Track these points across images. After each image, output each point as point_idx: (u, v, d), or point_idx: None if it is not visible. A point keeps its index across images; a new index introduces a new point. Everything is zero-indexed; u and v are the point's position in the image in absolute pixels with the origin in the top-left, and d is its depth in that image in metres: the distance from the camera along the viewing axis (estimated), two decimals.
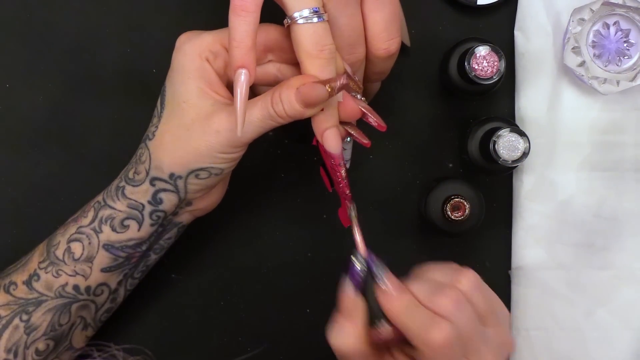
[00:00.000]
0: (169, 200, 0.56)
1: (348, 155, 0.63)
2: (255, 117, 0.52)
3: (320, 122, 0.52)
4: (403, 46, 0.63)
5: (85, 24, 0.67)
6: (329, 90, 0.49)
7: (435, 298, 0.50)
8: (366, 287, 0.51)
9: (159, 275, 0.67)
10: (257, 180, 0.67)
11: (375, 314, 0.51)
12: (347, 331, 0.50)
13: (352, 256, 0.51)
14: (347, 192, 0.55)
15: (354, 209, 0.54)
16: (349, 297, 0.51)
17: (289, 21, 0.50)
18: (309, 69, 0.50)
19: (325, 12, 0.51)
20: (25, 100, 0.67)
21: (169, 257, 0.67)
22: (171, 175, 0.55)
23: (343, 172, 0.54)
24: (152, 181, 0.55)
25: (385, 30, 0.54)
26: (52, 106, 0.67)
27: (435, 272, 0.52)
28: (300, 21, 0.49)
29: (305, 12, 0.49)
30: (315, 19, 0.49)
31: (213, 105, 0.53)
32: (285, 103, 0.51)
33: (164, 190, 0.55)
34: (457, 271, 0.52)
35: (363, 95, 0.62)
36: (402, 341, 0.51)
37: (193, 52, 0.54)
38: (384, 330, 0.50)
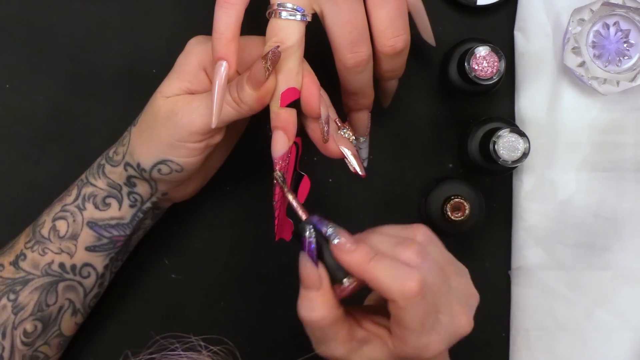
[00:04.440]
0: (142, 186, 0.58)
1: (365, 154, 0.64)
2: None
3: (272, 118, 0.53)
4: (428, 45, 0.63)
5: (85, 24, 0.67)
6: (264, 63, 0.50)
7: (398, 250, 0.48)
8: (323, 254, 0.49)
9: (159, 275, 0.67)
10: (256, 180, 0.67)
11: (337, 275, 0.49)
12: (315, 301, 0.48)
13: (300, 227, 0.49)
14: (275, 199, 0.54)
15: (281, 179, 0.53)
16: (309, 268, 0.48)
17: (270, 12, 0.51)
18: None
19: (313, 13, 0.51)
20: (25, 100, 0.67)
21: (169, 257, 0.67)
22: (138, 165, 0.56)
23: (277, 174, 0.53)
24: (125, 166, 0.57)
25: (391, 27, 0.53)
26: (52, 106, 0.67)
27: (388, 229, 0.51)
28: (284, 15, 0.50)
29: (289, 6, 0.50)
30: (298, 17, 0.50)
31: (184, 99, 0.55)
32: (239, 86, 0.52)
33: (135, 177, 0.57)
34: (409, 227, 0.51)
35: (383, 95, 0.62)
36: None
37: (194, 58, 0.55)
38: (350, 283, 0.49)
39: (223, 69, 0.50)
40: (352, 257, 0.48)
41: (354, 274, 0.48)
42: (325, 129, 0.54)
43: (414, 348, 0.48)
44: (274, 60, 0.50)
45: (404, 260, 0.47)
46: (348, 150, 0.55)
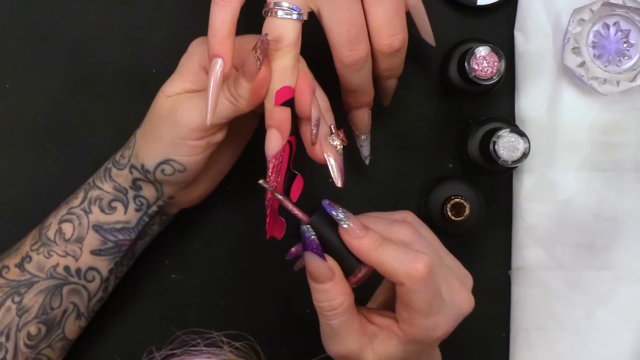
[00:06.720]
0: (147, 189, 0.58)
1: (367, 152, 0.64)
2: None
3: (266, 117, 0.52)
4: (428, 45, 0.63)
5: (85, 24, 0.67)
6: (254, 53, 0.49)
7: (395, 229, 0.49)
8: (330, 244, 0.50)
9: (159, 275, 0.67)
10: (257, 180, 0.67)
11: (348, 262, 0.50)
12: (332, 290, 0.49)
13: (302, 227, 0.49)
14: (267, 197, 0.53)
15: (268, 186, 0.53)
16: (317, 263, 0.49)
17: (266, 10, 0.50)
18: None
19: (310, 12, 0.51)
20: (25, 100, 0.67)
21: (169, 257, 0.67)
22: (142, 167, 0.56)
23: (270, 171, 0.53)
24: (131, 169, 0.57)
25: (388, 25, 0.53)
26: (52, 106, 0.67)
27: (379, 214, 0.52)
28: (280, 14, 0.50)
29: (285, 5, 0.50)
30: (294, 16, 0.50)
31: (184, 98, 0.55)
32: (235, 81, 0.52)
33: (140, 179, 0.57)
34: (397, 212, 0.53)
35: (382, 94, 0.62)
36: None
37: (195, 59, 0.55)
38: (362, 271, 0.49)
39: (218, 67, 0.50)
40: (362, 242, 0.49)
41: (362, 258, 0.49)
42: (314, 131, 0.53)
43: (423, 329, 0.48)
44: (263, 48, 0.49)
45: (401, 238, 0.49)
46: (332, 158, 0.54)
